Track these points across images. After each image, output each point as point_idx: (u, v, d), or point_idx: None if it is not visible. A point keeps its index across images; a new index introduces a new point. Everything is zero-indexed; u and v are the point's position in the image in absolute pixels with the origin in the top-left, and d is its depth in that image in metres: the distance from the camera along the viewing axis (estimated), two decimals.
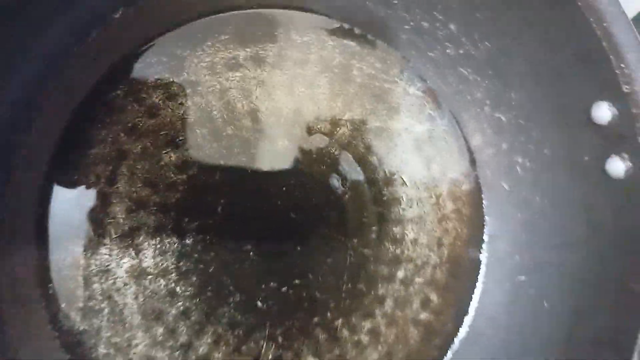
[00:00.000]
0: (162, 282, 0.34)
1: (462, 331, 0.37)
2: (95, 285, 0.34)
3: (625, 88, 0.27)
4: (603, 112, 0.29)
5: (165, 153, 0.35)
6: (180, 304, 0.34)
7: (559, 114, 0.32)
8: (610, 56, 0.27)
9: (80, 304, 0.34)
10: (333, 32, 0.38)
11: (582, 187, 0.32)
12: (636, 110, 0.27)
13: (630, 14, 0.33)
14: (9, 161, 0.32)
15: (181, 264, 0.35)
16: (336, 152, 0.37)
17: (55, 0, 0.30)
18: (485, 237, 0.38)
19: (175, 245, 0.35)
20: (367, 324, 0.36)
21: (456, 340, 0.37)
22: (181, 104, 0.35)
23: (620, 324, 0.28)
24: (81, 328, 0.33)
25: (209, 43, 0.36)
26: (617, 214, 0.30)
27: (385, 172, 0.37)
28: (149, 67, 0.35)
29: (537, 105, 0.33)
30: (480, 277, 0.38)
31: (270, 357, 0.35)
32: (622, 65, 0.27)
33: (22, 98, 0.32)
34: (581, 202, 0.32)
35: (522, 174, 0.35)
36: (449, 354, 0.37)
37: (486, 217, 0.38)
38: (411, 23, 0.36)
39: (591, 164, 0.31)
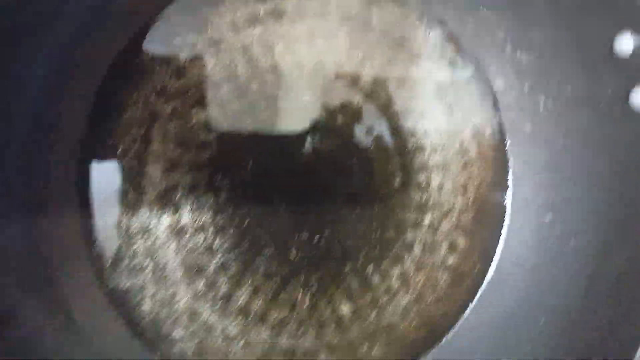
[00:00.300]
0: (201, 237, 0.36)
1: (490, 273, 0.38)
2: (138, 244, 0.35)
3: None
4: (625, 44, 0.29)
5: (194, 113, 0.36)
6: (218, 257, 0.36)
7: (580, 50, 0.32)
8: None
9: (124, 263, 0.35)
10: None
11: (606, 124, 0.32)
12: None
13: None
14: (47, 130, 0.34)
15: (217, 219, 0.36)
16: (359, 103, 0.37)
17: None
18: (509, 180, 0.38)
19: (211, 201, 0.36)
20: (397, 270, 0.37)
21: (484, 283, 0.38)
22: (206, 63, 0.36)
23: None
24: (126, 285, 0.35)
25: (229, 0, 0.36)
26: None
27: (408, 120, 0.38)
28: (173, 27, 0.36)
29: (558, 43, 0.33)
30: (506, 220, 0.38)
31: (306, 304, 0.37)
32: None
33: (52, 69, 0.33)
34: (605, 139, 0.32)
35: (545, 114, 0.36)
36: (478, 296, 0.38)
37: (510, 160, 0.38)
38: None
39: (615, 99, 0.31)
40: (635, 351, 0.28)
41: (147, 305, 0.36)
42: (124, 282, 0.36)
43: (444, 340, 0.38)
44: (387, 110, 0.38)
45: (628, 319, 0.29)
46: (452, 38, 0.38)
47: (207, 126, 0.36)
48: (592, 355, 0.30)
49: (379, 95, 0.38)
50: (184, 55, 0.36)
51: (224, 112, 0.36)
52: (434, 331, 0.38)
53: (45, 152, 0.33)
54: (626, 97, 0.30)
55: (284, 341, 0.36)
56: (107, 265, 0.35)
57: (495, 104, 0.38)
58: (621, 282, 0.31)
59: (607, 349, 0.30)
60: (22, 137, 0.32)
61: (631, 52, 0.29)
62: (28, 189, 0.33)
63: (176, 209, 0.36)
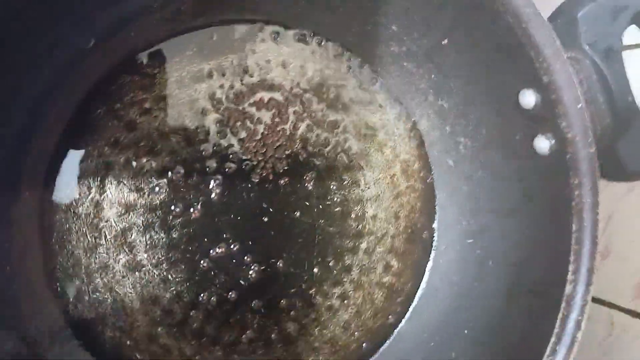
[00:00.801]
0: (156, 272, 0.39)
1: (421, 289, 0.43)
2: (97, 280, 0.38)
3: (545, 78, 0.31)
4: (528, 98, 0.32)
5: (146, 161, 0.39)
6: (172, 288, 0.39)
7: (491, 100, 0.36)
8: (530, 52, 0.30)
9: (86, 298, 0.38)
10: (286, 39, 0.41)
11: (515, 162, 0.36)
12: (554, 97, 0.31)
13: (546, 14, 0.36)
14: (14, 177, 0.36)
15: (170, 255, 0.39)
16: (298, 146, 0.41)
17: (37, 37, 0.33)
18: (436, 208, 0.43)
19: (163, 239, 0.39)
20: (337, 290, 0.42)
21: (416, 297, 0.43)
22: (155, 117, 0.39)
23: (550, 277, 0.32)
24: (89, 317, 0.38)
25: (177, 59, 0.39)
26: (545, 185, 0.34)
27: (344, 159, 0.42)
28: (122, 87, 0.38)
29: (473, 93, 0.37)
30: (434, 242, 0.43)
31: (255, 326, 0.40)
32: (541, 59, 0.30)
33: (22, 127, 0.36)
34: (515, 175, 0.36)
35: (464, 152, 0.40)
36: (411, 308, 0.42)
37: (436, 191, 0.42)
38: (356, 27, 0.39)
39: (521, 143, 0.34)
40: (542, 356, 0.33)
41: (109, 333, 0.39)
42: (87, 314, 0.39)
43: (382, 348, 0.42)
44: (323, 150, 0.41)
45: (540, 326, 0.32)
46: (381, 87, 0.42)
47: (158, 172, 0.39)
48: (510, 358, 0.34)
49: (317, 138, 0.41)
50: (134, 110, 0.39)
51: (174, 159, 0.39)
52: (373, 341, 0.42)
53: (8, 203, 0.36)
54: (531, 142, 0.34)
55: (236, 359, 0.40)
56: (71, 299, 0.38)
57: (421, 143, 0.42)
58: (533, 295, 0.35)
59: (523, 353, 0.33)
60: None
61: (533, 105, 0.33)
62: None
63: (132, 248, 0.39)
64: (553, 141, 0.32)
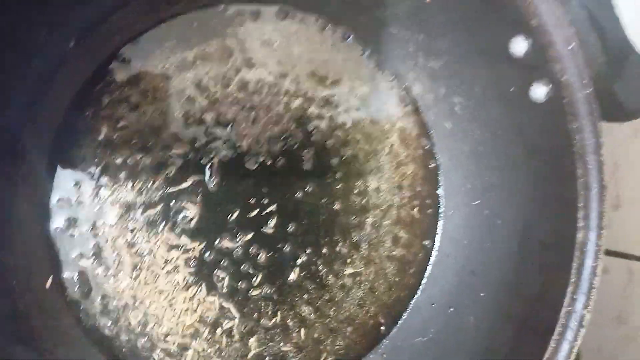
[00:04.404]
0: (163, 269, 0.39)
1: (432, 257, 0.42)
2: (106, 285, 0.38)
3: (533, 22, 0.30)
4: (519, 45, 0.32)
5: (140, 158, 0.38)
6: (181, 285, 0.39)
7: (482, 55, 0.35)
8: None
9: (96, 305, 0.38)
10: (266, 17, 0.40)
11: (513, 115, 0.36)
12: (545, 40, 0.30)
13: None
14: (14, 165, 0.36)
15: (174, 251, 0.39)
16: (292, 126, 0.40)
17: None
18: (439, 173, 0.42)
19: (165, 235, 0.39)
20: (348, 269, 0.41)
21: (428, 266, 0.42)
22: (144, 112, 0.38)
23: (561, 227, 0.32)
24: (101, 324, 0.38)
25: (159, 50, 0.38)
26: (546, 135, 0.33)
27: (340, 134, 0.41)
28: (109, 85, 0.38)
29: (462, 50, 0.36)
30: (441, 209, 0.42)
31: (269, 313, 0.40)
32: (527, 2, 0.30)
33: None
34: (514, 129, 0.36)
35: (461, 112, 0.39)
36: (424, 278, 0.42)
37: (437, 156, 0.42)
38: None
39: (517, 94, 0.34)
40: (561, 307, 0.32)
41: (123, 337, 0.38)
42: (99, 321, 0.38)
43: (400, 322, 0.42)
44: (318, 126, 0.41)
45: (556, 278, 0.32)
46: (369, 55, 0.41)
47: (154, 168, 0.38)
48: (526, 316, 0.34)
49: (310, 114, 0.41)
50: (123, 108, 0.38)
51: (167, 152, 0.39)
52: (391, 315, 0.42)
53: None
54: (526, 91, 0.34)
55: (253, 349, 0.40)
56: (81, 309, 0.38)
57: (416, 108, 0.41)
58: (546, 248, 0.34)
59: (542, 307, 0.33)
60: None
61: (525, 52, 0.32)
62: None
63: (132, 246, 0.39)
64: (548, 87, 0.32)
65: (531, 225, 0.36)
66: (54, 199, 0.38)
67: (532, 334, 0.33)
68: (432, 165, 0.42)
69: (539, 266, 0.34)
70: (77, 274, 0.38)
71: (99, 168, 0.38)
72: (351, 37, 0.41)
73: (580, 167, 0.31)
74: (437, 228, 0.42)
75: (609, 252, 0.49)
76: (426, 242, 0.42)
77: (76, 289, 0.38)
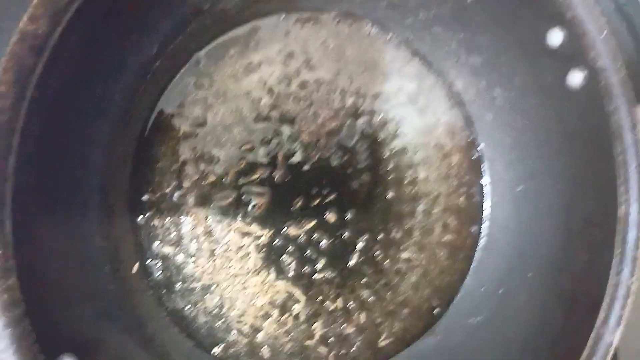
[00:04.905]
0: (235, 256, 0.43)
1: (480, 242, 0.45)
2: (186, 269, 0.42)
3: (568, 14, 0.33)
4: (555, 36, 0.35)
5: (214, 154, 0.43)
6: (251, 269, 0.43)
7: (520, 48, 0.38)
8: None
9: (176, 288, 0.42)
10: (323, 22, 0.44)
11: (552, 104, 0.38)
12: (579, 30, 0.33)
13: None
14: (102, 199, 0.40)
15: (245, 238, 0.43)
16: (348, 121, 0.44)
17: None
18: (483, 162, 0.45)
19: (239, 225, 0.43)
20: (402, 254, 0.44)
21: (477, 250, 0.45)
22: (217, 112, 0.43)
23: (602, 205, 0.34)
24: (181, 305, 0.42)
25: (228, 55, 0.43)
26: (584, 120, 0.35)
27: (390, 128, 0.44)
28: (185, 87, 0.43)
29: (502, 45, 0.39)
30: (487, 195, 0.45)
31: (332, 296, 0.43)
32: None
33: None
34: (554, 117, 0.38)
35: (502, 103, 0.42)
36: (474, 262, 0.44)
37: (481, 145, 0.45)
38: (385, 1, 0.43)
39: (555, 84, 0.36)
40: (607, 279, 0.33)
41: (201, 319, 0.42)
42: (179, 304, 0.42)
43: (452, 305, 0.44)
44: (371, 122, 0.44)
45: (602, 252, 0.33)
46: (415, 54, 0.45)
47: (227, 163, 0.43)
48: (574, 291, 0.35)
49: (363, 110, 0.44)
50: (197, 108, 0.43)
51: (238, 148, 0.43)
52: (443, 299, 0.44)
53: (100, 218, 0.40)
54: (563, 80, 0.36)
55: (318, 330, 0.43)
56: (163, 292, 0.42)
57: (460, 102, 0.45)
58: (591, 225, 0.36)
59: (588, 281, 0.34)
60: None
61: (560, 43, 0.35)
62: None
63: (209, 234, 0.43)
64: (584, 73, 0.34)
65: (575, 205, 0.37)
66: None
67: (581, 308, 0.34)
68: (476, 156, 0.45)
69: (585, 243, 0.36)
70: (160, 260, 0.42)
71: (178, 164, 0.43)
72: (398, 38, 0.45)
73: (617, 145, 0.32)
74: (483, 214, 0.45)
75: None
76: (474, 228, 0.45)
77: (159, 273, 0.42)
